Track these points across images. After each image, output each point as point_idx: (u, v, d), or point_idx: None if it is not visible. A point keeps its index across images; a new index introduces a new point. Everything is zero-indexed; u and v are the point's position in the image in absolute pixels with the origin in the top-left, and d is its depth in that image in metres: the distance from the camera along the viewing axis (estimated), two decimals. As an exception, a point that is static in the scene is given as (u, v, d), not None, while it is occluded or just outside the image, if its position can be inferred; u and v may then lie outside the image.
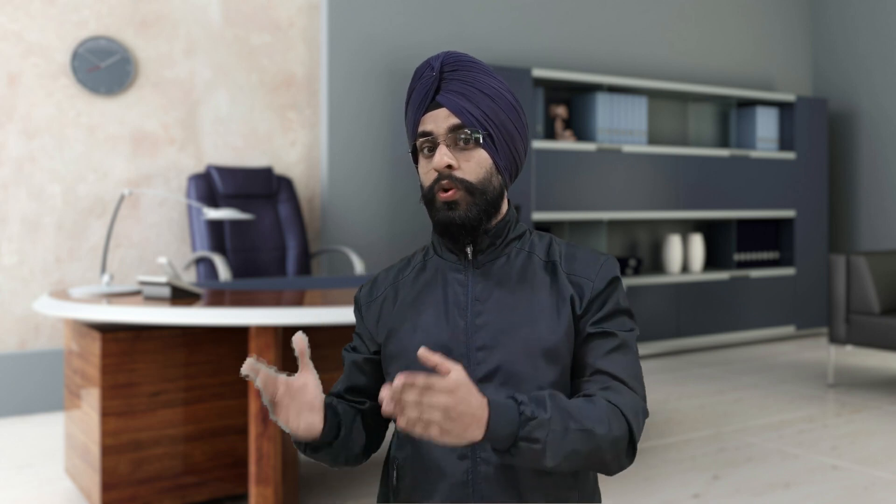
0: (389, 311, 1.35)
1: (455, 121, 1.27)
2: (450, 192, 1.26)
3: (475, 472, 1.25)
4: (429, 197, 1.29)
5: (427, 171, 1.30)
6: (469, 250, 1.32)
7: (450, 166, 1.26)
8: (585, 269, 1.33)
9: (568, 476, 1.30)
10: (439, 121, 1.27)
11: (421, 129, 1.29)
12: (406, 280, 1.37)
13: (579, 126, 5.48)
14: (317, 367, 2.96)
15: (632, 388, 1.26)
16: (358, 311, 1.40)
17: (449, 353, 1.28)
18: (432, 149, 1.29)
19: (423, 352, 1.05)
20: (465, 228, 1.27)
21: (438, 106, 1.28)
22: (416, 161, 1.34)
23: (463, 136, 1.27)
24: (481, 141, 1.28)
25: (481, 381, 1.26)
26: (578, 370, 1.30)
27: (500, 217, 1.33)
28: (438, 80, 1.29)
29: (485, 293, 1.30)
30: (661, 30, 6.14)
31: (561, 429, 1.12)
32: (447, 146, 1.27)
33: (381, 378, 1.39)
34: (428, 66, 1.31)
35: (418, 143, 1.30)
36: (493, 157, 1.29)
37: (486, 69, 1.31)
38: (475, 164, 1.28)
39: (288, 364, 2.73)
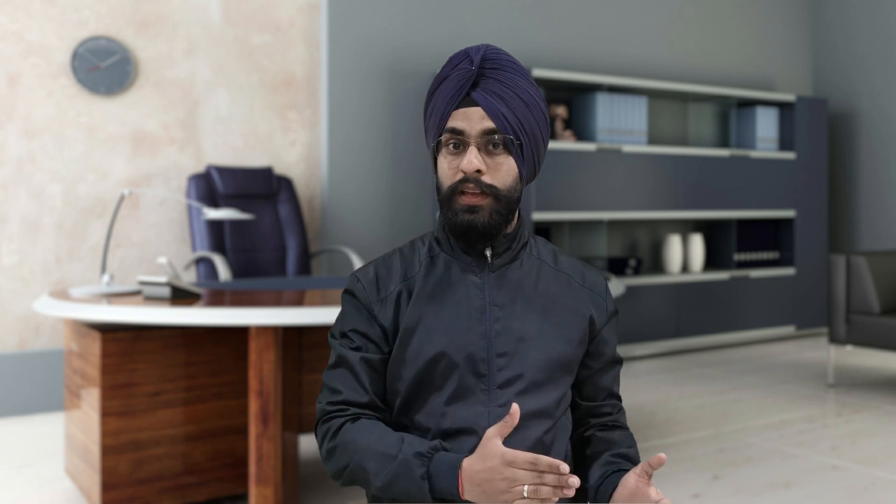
0: (405, 311, 1.28)
1: (490, 124, 1.22)
2: (476, 198, 1.22)
3: None
4: (448, 196, 1.25)
5: (451, 169, 1.24)
6: (488, 253, 1.29)
7: (479, 171, 1.22)
8: (597, 287, 1.37)
9: None
10: (473, 121, 1.22)
11: (451, 124, 1.24)
12: (417, 277, 1.30)
13: (579, 126, 5.48)
14: (317, 368, 2.96)
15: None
16: (364, 309, 1.30)
17: (471, 358, 1.25)
18: (458, 146, 1.24)
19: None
20: (486, 235, 1.24)
21: (473, 103, 1.23)
22: (434, 152, 1.29)
23: (496, 141, 1.23)
24: (513, 149, 1.24)
25: (501, 387, 1.25)
26: (593, 390, 1.37)
27: (514, 221, 1.31)
28: (477, 74, 1.24)
29: (503, 299, 1.28)
30: (661, 30, 6.14)
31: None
32: (477, 149, 1.23)
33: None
34: (466, 57, 1.25)
35: (444, 139, 1.25)
36: (518, 166, 1.25)
37: (524, 72, 1.27)
38: (504, 173, 1.24)
39: (287, 364, 2.73)
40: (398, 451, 1.19)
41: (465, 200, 1.23)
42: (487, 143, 1.23)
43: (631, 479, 1.18)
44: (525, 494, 1.08)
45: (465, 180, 1.22)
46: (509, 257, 1.30)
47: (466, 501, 1.16)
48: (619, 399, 1.40)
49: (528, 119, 1.24)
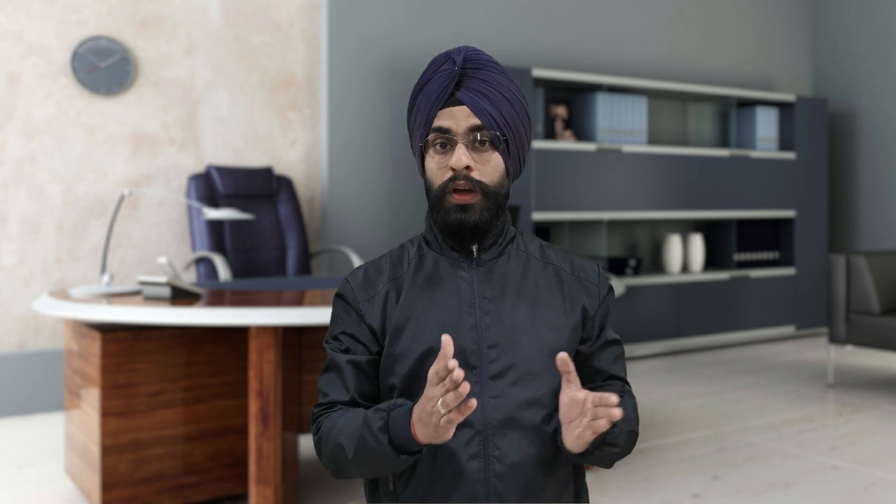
0: (394, 309, 1.30)
1: (475, 121, 1.25)
2: (467, 196, 1.25)
3: (488, 470, 1.25)
4: (439, 195, 1.27)
5: (440, 168, 1.27)
6: (475, 248, 1.31)
7: (468, 167, 1.25)
8: (587, 273, 1.38)
9: (567, 472, 1.32)
10: (459, 119, 1.25)
11: (437, 123, 1.26)
12: (405, 276, 1.33)
13: (579, 126, 5.48)
14: (317, 368, 2.96)
15: (630, 387, 1.40)
16: (353, 311, 1.32)
17: (462, 351, 1.26)
18: (445, 145, 1.27)
19: (562, 357, 1.13)
20: (477, 232, 1.27)
21: (458, 103, 1.26)
22: (420, 153, 1.31)
23: (482, 137, 1.26)
24: (499, 145, 1.27)
25: (493, 378, 1.26)
26: (591, 373, 1.38)
27: (501, 217, 1.34)
28: (459, 75, 1.27)
29: (491, 291, 1.30)
30: (661, 30, 6.14)
31: (627, 432, 1.27)
32: (465, 146, 1.26)
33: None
34: (448, 58, 1.28)
35: (431, 138, 1.27)
36: (505, 162, 1.29)
37: (504, 71, 1.30)
38: (491, 168, 1.27)
39: (287, 364, 2.73)
40: (364, 416, 1.22)
41: (457, 199, 1.26)
42: (474, 141, 1.26)
43: (564, 395, 1.18)
44: (441, 410, 1.08)
45: (454, 178, 1.25)
46: (496, 252, 1.33)
47: (420, 452, 1.18)
48: (623, 381, 1.39)
49: (513, 116, 1.28)
